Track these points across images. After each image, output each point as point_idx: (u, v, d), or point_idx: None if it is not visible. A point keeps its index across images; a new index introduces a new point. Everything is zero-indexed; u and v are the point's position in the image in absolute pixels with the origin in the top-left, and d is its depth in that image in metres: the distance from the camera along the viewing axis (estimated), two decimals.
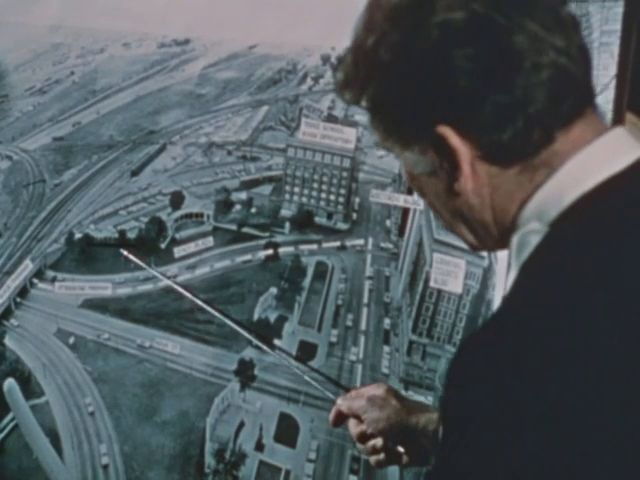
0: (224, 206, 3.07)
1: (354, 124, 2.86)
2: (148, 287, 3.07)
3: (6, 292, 3.17)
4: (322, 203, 3.00)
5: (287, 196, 3.02)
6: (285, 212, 3.02)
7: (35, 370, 3.13)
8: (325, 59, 2.96)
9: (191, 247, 3.06)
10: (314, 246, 2.96)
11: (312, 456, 2.84)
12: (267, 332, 2.88)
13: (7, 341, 3.16)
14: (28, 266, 3.17)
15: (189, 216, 3.11)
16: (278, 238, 2.99)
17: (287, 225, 2.99)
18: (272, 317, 2.95)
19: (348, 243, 2.95)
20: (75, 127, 3.25)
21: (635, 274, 0.90)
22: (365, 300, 2.89)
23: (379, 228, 2.91)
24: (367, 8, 1.07)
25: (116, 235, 3.15)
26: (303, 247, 2.97)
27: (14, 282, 3.17)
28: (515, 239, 1.04)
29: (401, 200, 2.82)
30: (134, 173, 3.16)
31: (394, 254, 2.88)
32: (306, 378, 1.72)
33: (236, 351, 2.93)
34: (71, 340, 3.12)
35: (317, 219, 2.99)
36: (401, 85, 1.03)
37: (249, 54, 3.07)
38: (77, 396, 3.08)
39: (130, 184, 3.16)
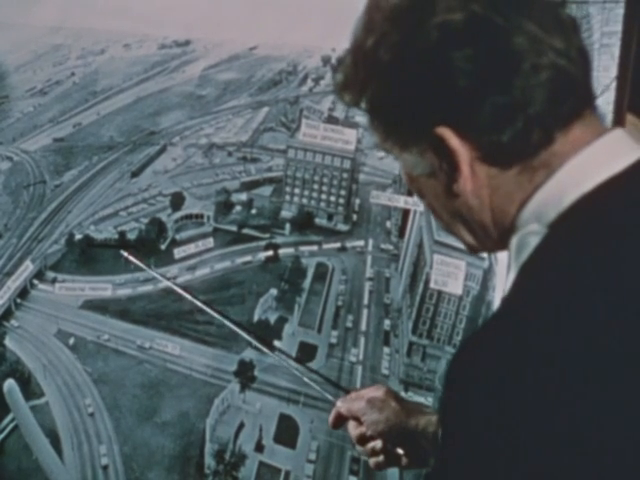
0: (224, 207, 3.07)
1: (354, 125, 2.86)
2: (148, 288, 3.07)
3: (6, 293, 3.17)
4: (322, 204, 3.00)
5: (287, 197, 3.02)
6: (285, 213, 3.02)
7: (35, 371, 3.13)
8: (326, 60, 2.96)
9: (191, 248, 3.06)
10: (314, 247, 2.96)
11: (312, 457, 2.84)
12: (267, 333, 2.88)
13: (7, 342, 3.16)
14: (28, 267, 3.17)
15: (189, 217, 3.11)
16: (278, 239, 2.99)
17: (287, 226, 3.00)
18: (272, 318, 2.95)
19: (348, 244, 2.95)
20: (75, 128, 3.25)
21: (634, 275, 0.90)
22: (365, 301, 2.89)
23: (379, 229, 2.91)
24: (367, 9, 1.07)
25: (116, 236, 3.15)
26: (303, 248, 2.97)
27: (14, 283, 3.17)
28: (514, 240, 1.04)
29: (401, 201, 2.82)
30: (134, 174, 3.16)
31: (394, 255, 2.88)
32: (306, 380, 1.71)
33: (236, 352, 2.93)
34: (71, 341, 3.12)
35: (317, 220, 2.99)
36: (400, 86, 1.03)
37: (250, 55, 3.08)
38: (77, 397, 3.08)
39: (130, 185, 3.16)
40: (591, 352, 0.86)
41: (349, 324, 2.90)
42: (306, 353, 2.89)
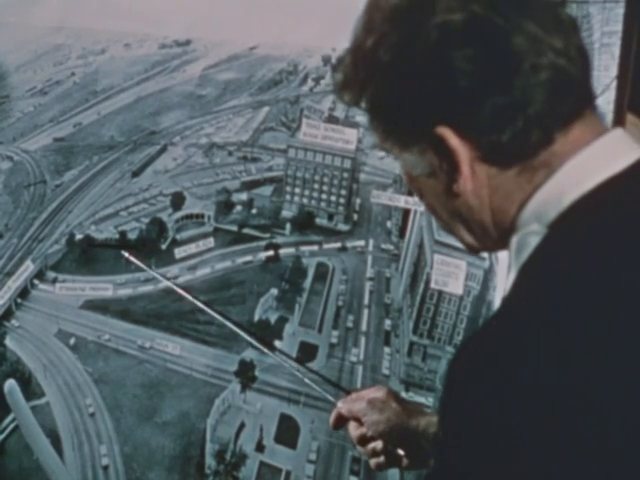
0: (225, 207, 3.07)
1: (355, 125, 2.86)
2: (149, 288, 3.07)
3: (7, 293, 3.17)
4: (323, 204, 2.99)
5: (288, 197, 3.02)
6: (286, 213, 3.02)
7: (36, 371, 3.13)
8: (326, 60, 2.96)
9: (192, 248, 3.06)
10: (315, 247, 2.96)
11: (312, 457, 2.84)
12: (268, 333, 2.88)
13: (8, 342, 3.17)
14: (29, 267, 3.17)
15: (190, 217, 3.11)
16: (279, 239, 2.99)
17: (288, 226, 2.99)
18: (273, 318, 2.95)
19: (349, 244, 2.95)
20: (76, 128, 3.25)
21: (634, 275, 0.90)
22: (366, 301, 2.89)
23: (380, 229, 2.91)
24: (366, 9, 1.07)
25: (117, 236, 3.15)
26: (304, 248, 2.97)
27: (15, 283, 3.17)
28: (514, 240, 1.04)
29: (402, 201, 2.82)
30: (135, 174, 3.16)
31: (395, 255, 2.87)
32: (306, 381, 1.71)
33: (237, 352, 2.93)
34: (72, 341, 3.12)
35: (318, 220, 2.99)
36: (400, 86, 1.03)
37: (250, 55, 3.07)
38: (78, 397, 3.08)
39: (131, 185, 3.16)
40: (591, 352, 0.86)
41: (350, 324, 2.90)
42: (307, 353, 2.89)
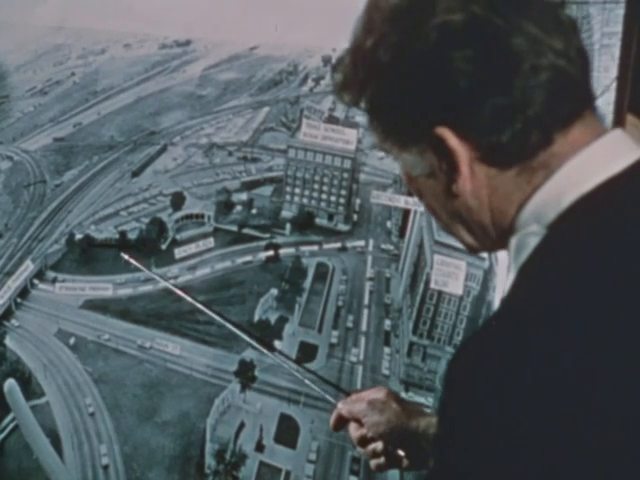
0: (225, 207, 3.07)
1: (355, 125, 2.86)
2: (148, 288, 3.07)
3: (7, 293, 3.17)
4: (323, 204, 3.00)
5: (288, 197, 3.02)
6: (286, 213, 3.02)
7: (35, 371, 3.13)
8: (326, 60, 2.96)
9: (192, 248, 3.06)
10: (315, 247, 2.96)
11: (312, 457, 2.84)
12: (268, 333, 2.89)
13: (8, 342, 3.17)
14: (29, 267, 3.18)
15: (190, 217, 3.11)
16: (279, 239, 2.99)
17: (288, 226, 2.99)
18: (273, 318, 2.95)
19: (349, 244, 2.95)
20: (76, 128, 3.25)
21: (633, 275, 0.90)
22: (366, 301, 2.89)
23: (380, 229, 2.91)
24: (366, 9, 1.07)
25: (117, 236, 3.15)
26: (304, 248, 2.97)
27: (15, 283, 3.17)
28: (514, 241, 1.04)
29: (402, 201, 2.82)
30: (135, 174, 3.16)
31: (395, 255, 2.87)
32: (307, 382, 1.71)
33: (236, 352, 2.93)
34: (71, 341, 3.12)
35: (318, 220, 2.99)
36: (400, 86, 1.03)
37: (250, 55, 3.08)
38: (77, 397, 3.08)
39: (131, 185, 3.16)
40: (590, 352, 0.86)
41: (350, 324, 2.90)
42: (306, 353, 2.89)
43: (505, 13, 0.98)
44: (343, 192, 2.99)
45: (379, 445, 1.54)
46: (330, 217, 2.99)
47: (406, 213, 2.84)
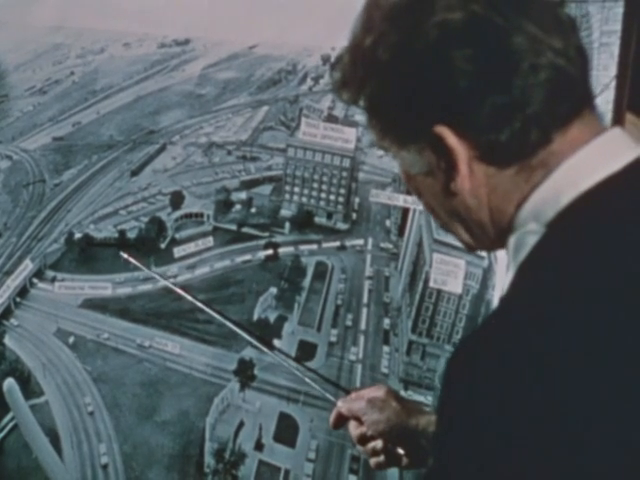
0: (224, 206, 3.07)
1: (354, 124, 2.86)
2: (148, 287, 3.07)
3: (6, 292, 3.17)
4: (322, 203, 3.00)
5: (287, 196, 3.02)
6: (285, 212, 3.02)
7: (35, 370, 3.13)
8: (325, 59, 2.96)
9: (191, 247, 3.06)
10: (314, 246, 2.97)
11: (311, 456, 2.84)
12: (267, 332, 2.89)
13: (7, 341, 3.17)
14: (28, 266, 3.18)
15: (189, 216, 3.11)
16: (278, 238, 2.99)
17: (287, 225, 3.00)
18: (272, 317, 2.95)
19: (348, 243, 2.95)
20: (75, 127, 3.25)
21: (632, 274, 0.90)
22: (365, 300, 2.89)
23: (379, 228, 2.91)
24: (365, 8, 1.07)
25: (116, 235, 3.15)
26: (303, 247, 2.97)
27: (14, 282, 3.17)
28: (512, 239, 1.04)
29: (401, 200, 2.82)
30: (134, 173, 3.16)
31: (394, 254, 2.88)
32: (307, 380, 1.71)
33: (236, 351, 2.93)
34: (71, 340, 3.12)
35: (317, 219, 3.00)
36: (399, 85, 1.03)
37: (249, 54, 3.08)
38: (77, 396, 3.08)
39: (130, 184, 3.16)
40: (589, 351, 0.86)
41: (349, 323, 2.90)
42: (306, 352, 2.89)
43: (505, 12, 0.98)
44: (342, 191, 2.99)
45: (379, 443, 1.54)
46: (329, 216, 2.99)
47: (405, 212, 2.84)
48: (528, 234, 1.01)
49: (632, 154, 0.99)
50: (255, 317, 2.94)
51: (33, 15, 3.18)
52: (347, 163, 2.95)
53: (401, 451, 1.54)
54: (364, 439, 1.55)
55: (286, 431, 2.89)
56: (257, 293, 2.97)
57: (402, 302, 2.83)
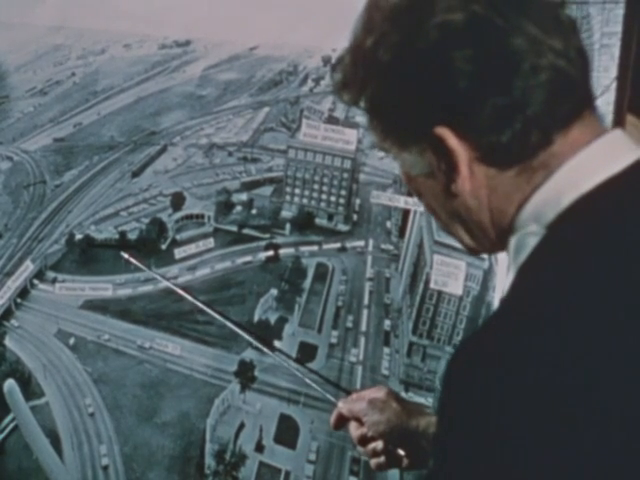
0: (225, 207, 3.07)
1: (355, 125, 2.86)
2: (148, 288, 3.07)
3: (6, 293, 3.17)
4: (323, 204, 3.00)
5: (288, 197, 3.02)
6: (286, 213, 3.02)
7: (35, 371, 3.13)
8: (326, 60, 2.96)
9: (192, 248, 3.06)
10: (314, 247, 2.96)
11: (312, 457, 2.84)
12: (267, 333, 2.88)
13: (7, 342, 3.17)
14: (29, 267, 3.18)
15: (190, 217, 3.11)
16: (279, 239, 2.99)
17: (288, 226, 3.00)
18: (272, 318, 2.95)
19: (348, 244, 2.95)
20: (76, 128, 3.25)
21: (633, 275, 0.90)
22: (365, 301, 2.89)
23: (380, 229, 2.91)
24: (366, 8, 1.07)
25: (117, 236, 3.15)
26: (303, 248, 2.97)
27: (14, 283, 3.17)
28: (513, 241, 1.04)
29: (402, 201, 2.82)
30: (135, 174, 3.16)
31: (394, 255, 2.87)
32: (307, 381, 1.71)
33: (236, 352, 2.93)
34: (71, 341, 3.12)
35: (318, 220, 2.99)
36: (400, 86, 1.03)
37: (250, 55, 3.08)
38: (77, 397, 3.08)
39: (131, 185, 3.16)
40: (590, 352, 0.86)
41: (349, 324, 2.90)
42: (306, 353, 2.89)
43: (505, 13, 0.98)
44: (343, 192, 2.99)
45: (379, 444, 1.54)
46: (330, 217, 2.99)
47: (406, 213, 2.84)
48: (529, 235, 1.01)
49: (633, 156, 0.99)
50: (256, 318, 2.94)
51: (34, 16, 3.18)
52: (348, 164, 2.95)
53: (401, 452, 1.54)
54: (364, 440, 1.55)
55: (287, 432, 2.89)
56: (258, 294, 2.97)
57: (403, 303, 2.83)
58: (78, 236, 3.16)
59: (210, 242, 3.05)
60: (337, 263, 2.95)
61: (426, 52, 1.00)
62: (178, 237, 3.10)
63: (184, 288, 2.00)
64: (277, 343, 2.87)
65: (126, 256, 2.10)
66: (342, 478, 2.81)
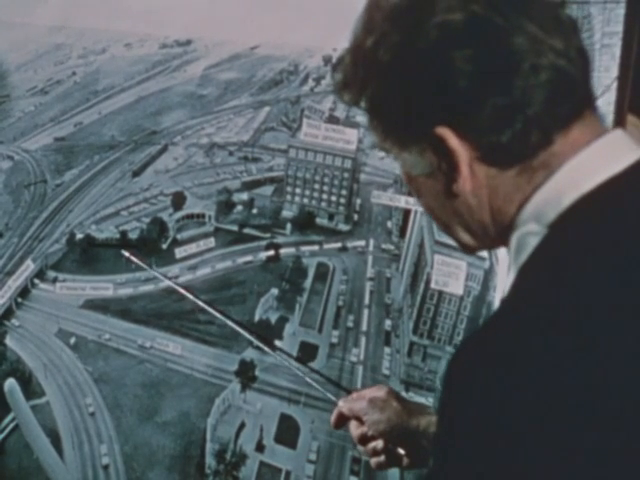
0: (225, 207, 3.07)
1: (356, 125, 2.86)
2: (149, 288, 3.07)
3: (7, 292, 3.17)
4: (323, 204, 3.00)
5: (288, 197, 3.02)
6: (286, 213, 3.02)
7: (36, 370, 3.13)
8: (327, 60, 2.96)
9: (192, 248, 3.06)
10: (315, 247, 2.97)
11: (312, 457, 2.84)
12: (268, 333, 2.89)
13: (8, 341, 3.17)
14: (29, 266, 3.18)
15: (190, 217, 3.11)
16: (279, 239, 2.99)
17: (288, 226, 3.00)
18: (273, 318, 2.95)
19: (349, 244, 2.95)
20: (77, 127, 3.25)
21: (633, 275, 0.90)
22: (366, 301, 2.89)
23: (380, 229, 2.91)
24: (366, 8, 1.07)
25: (117, 236, 3.15)
26: (304, 248, 2.97)
27: (15, 282, 3.17)
28: (514, 240, 1.04)
29: (402, 201, 2.82)
30: (136, 173, 3.16)
31: (395, 255, 2.88)
32: (307, 380, 1.71)
33: (237, 352, 2.93)
34: (72, 340, 3.12)
35: (318, 220, 2.99)
36: (400, 86, 1.03)
37: (251, 55, 3.08)
38: (78, 396, 3.08)
39: (132, 184, 3.17)
40: (590, 352, 0.86)
41: (350, 324, 2.90)
42: (307, 353, 2.89)
43: (505, 12, 0.98)
44: (344, 192, 2.99)
45: (379, 443, 1.54)
46: (331, 217, 2.99)
47: (407, 213, 2.84)
48: (529, 235, 1.01)
49: (633, 156, 0.99)
50: (256, 318, 2.95)
51: (35, 15, 3.18)
52: (348, 164, 2.95)
53: (402, 451, 1.54)
54: (365, 439, 1.55)
55: (287, 432, 2.89)
56: (258, 294, 2.97)
57: (403, 303, 2.83)
58: (79, 235, 3.16)
59: (211, 242, 3.05)
60: (338, 263, 2.95)
61: (426, 52, 1.00)
62: (179, 236, 3.10)
63: (185, 287, 2.00)
64: (278, 343, 2.87)
65: (127, 254, 2.10)
66: (343, 478, 2.81)
